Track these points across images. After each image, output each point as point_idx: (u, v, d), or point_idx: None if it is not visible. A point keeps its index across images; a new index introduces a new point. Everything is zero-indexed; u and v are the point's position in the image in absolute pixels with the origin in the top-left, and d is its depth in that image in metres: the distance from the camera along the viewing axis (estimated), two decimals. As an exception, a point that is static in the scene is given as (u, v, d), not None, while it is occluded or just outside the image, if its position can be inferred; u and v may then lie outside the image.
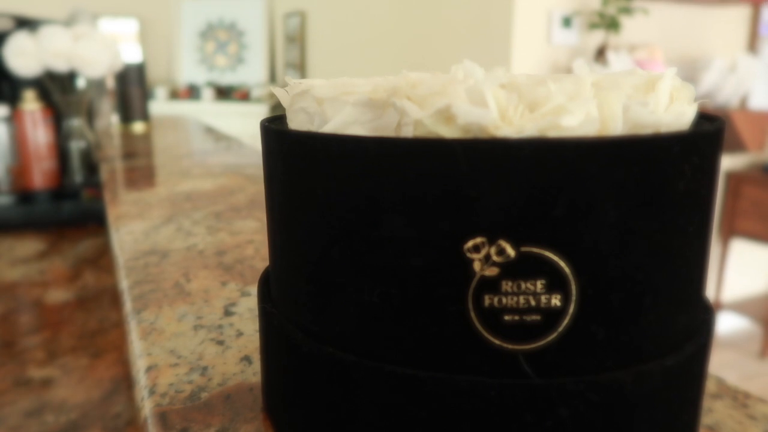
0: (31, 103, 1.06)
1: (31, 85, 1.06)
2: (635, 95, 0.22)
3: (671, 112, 0.23)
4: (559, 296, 0.20)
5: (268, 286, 0.29)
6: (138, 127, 1.46)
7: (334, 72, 3.16)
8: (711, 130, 0.21)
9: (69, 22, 1.31)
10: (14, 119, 1.06)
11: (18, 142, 1.07)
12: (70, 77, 1.09)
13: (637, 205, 0.20)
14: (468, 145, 0.19)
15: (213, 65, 3.91)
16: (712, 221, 0.24)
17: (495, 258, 0.20)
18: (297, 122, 0.26)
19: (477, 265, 0.20)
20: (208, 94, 3.83)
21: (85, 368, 0.63)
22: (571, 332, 0.21)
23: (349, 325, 0.23)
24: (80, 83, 1.16)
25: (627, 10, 1.90)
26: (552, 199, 0.19)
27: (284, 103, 0.27)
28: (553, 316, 0.20)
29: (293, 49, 3.53)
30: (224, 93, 3.89)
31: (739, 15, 2.33)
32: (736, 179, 2.27)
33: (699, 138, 0.21)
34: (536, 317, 0.20)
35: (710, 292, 2.37)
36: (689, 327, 0.24)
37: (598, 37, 2.04)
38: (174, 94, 3.90)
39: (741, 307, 2.39)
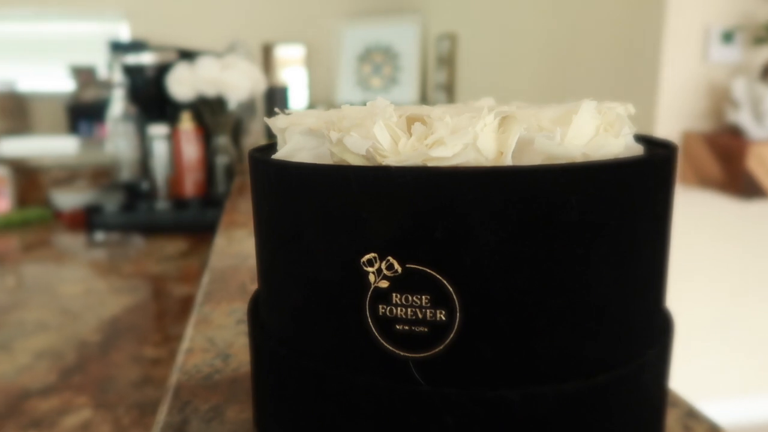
0: (186, 123, 1.23)
1: (187, 108, 1.24)
2: (550, 128, 0.23)
3: (593, 143, 0.23)
4: (443, 311, 0.22)
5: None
6: (280, 144, 1.61)
7: (480, 94, 3.18)
8: (608, 164, 0.22)
9: (228, 52, 1.49)
10: (172, 137, 1.24)
11: (174, 156, 1.25)
12: (218, 101, 1.24)
13: (520, 232, 0.21)
14: (358, 171, 0.22)
15: (368, 86, 4.13)
16: (639, 251, 0.24)
17: (386, 272, 0.22)
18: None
19: (372, 278, 0.23)
20: (362, 113, 4.05)
21: (187, 353, 0.72)
22: (458, 346, 0.22)
23: (285, 324, 0.26)
24: (231, 106, 1.32)
25: (801, 22, 1.69)
26: (432, 222, 0.21)
27: (276, 131, 0.31)
28: (439, 329, 0.22)
29: (443, 71, 3.61)
30: (377, 113, 4.09)
31: None
32: None
33: (593, 170, 0.22)
34: (423, 329, 0.22)
35: None
36: (608, 357, 0.24)
37: (765, 53, 1.84)
38: (332, 114, 4.18)
39: None
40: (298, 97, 4.23)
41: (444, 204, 0.21)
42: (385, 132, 0.22)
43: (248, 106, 1.60)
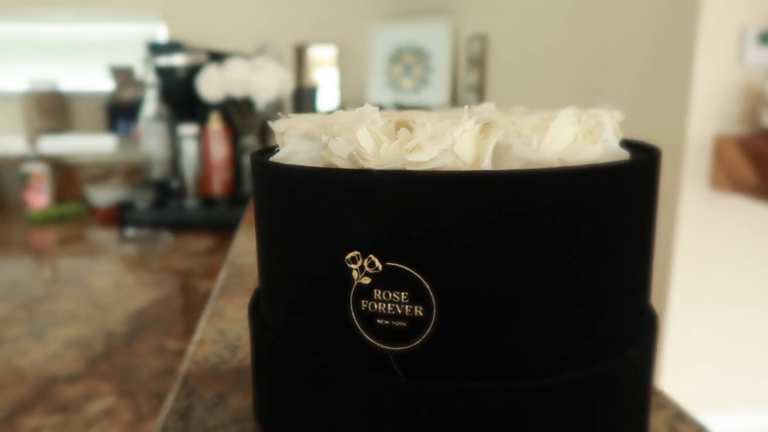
0: (215, 123, 1.27)
1: (216, 109, 1.27)
2: (528, 134, 0.24)
3: (570, 150, 0.24)
4: (421, 307, 0.23)
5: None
6: (307, 144, 1.63)
7: (510, 95, 3.16)
8: (579, 169, 0.23)
9: (257, 54, 1.52)
10: (202, 137, 1.28)
11: (203, 156, 1.29)
12: (246, 102, 1.27)
13: (493, 234, 0.22)
14: (342, 174, 0.24)
15: (399, 87, 4.14)
16: (615, 253, 0.25)
17: (368, 269, 0.24)
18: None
19: (355, 274, 0.24)
20: (392, 114, 4.07)
21: (208, 346, 0.74)
22: (434, 341, 0.23)
23: (280, 317, 0.28)
24: (259, 107, 1.35)
25: (842, 23, 1.64)
26: (409, 222, 0.23)
27: (276, 134, 0.33)
28: (417, 324, 0.24)
29: (474, 72, 3.60)
30: (407, 113, 4.10)
31: None
32: None
33: (563, 176, 0.22)
34: (402, 323, 0.24)
35: None
36: (582, 355, 0.25)
37: (803, 54, 1.78)
38: (362, 115, 4.20)
39: None
40: (329, 98, 4.27)
41: (420, 205, 0.23)
42: (368, 137, 0.24)
43: (276, 107, 1.63)
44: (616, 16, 2.08)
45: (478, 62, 3.55)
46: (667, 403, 0.33)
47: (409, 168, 0.23)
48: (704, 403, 1.78)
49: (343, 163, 0.25)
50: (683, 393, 1.78)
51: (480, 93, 3.52)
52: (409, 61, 4.14)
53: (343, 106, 4.23)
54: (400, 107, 4.10)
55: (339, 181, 0.24)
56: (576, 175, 0.23)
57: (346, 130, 0.25)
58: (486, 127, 0.24)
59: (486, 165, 0.23)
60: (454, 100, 4.09)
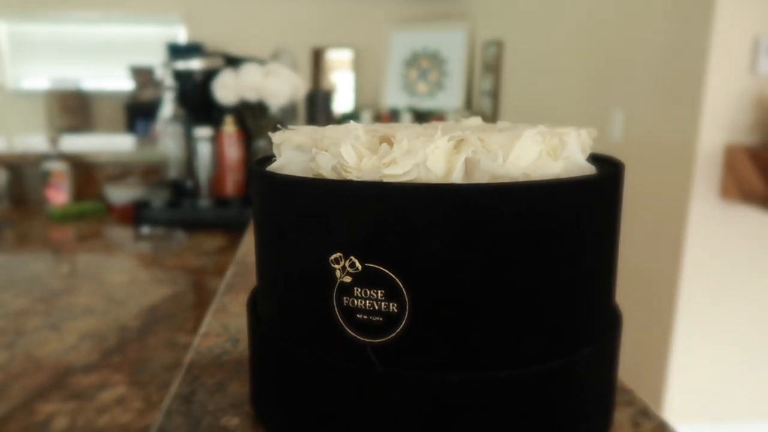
0: (229, 126, 1.30)
1: (230, 113, 1.31)
2: (495, 150, 0.27)
3: (534, 165, 0.27)
4: (395, 304, 0.26)
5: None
6: (320, 148, 1.67)
7: (525, 101, 3.17)
8: (540, 183, 0.25)
9: (272, 59, 1.56)
10: (216, 139, 1.32)
11: (217, 157, 1.32)
12: (260, 106, 1.31)
13: (459, 239, 0.25)
14: (327, 184, 0.26)
15: (414, 91, 4.17)
16: (573, 258, 0.27)
17: (349, 269, 0.27)
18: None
19: (338, 273, 0.27)
20: (407, 118, 4.10)
21: (216, 341, 0.77)
22: (408, 334, 0.26)
23: (272, 311, 0.31)
24: (272, 111, 1.38)
25: None
26: (385, 228, 0.25)
27: (274, 146, 0.36)
28: (392, 319, 0.26)
29: (489, 77, 3.62)
30: (422, 118, 4.13)
31: None
32: None
33: (524, 189, 0.25)
34: (379, 318, 0.26)
35: None
36: (543, 351, 0.27)
37: (816, 65, 1.78)
38: (377, 118, 4.24)
39: None
40: (345, 101, 4.31)
41: (395, 213, 0.25)
42: (351, 151, 0.27)
43: (290, 111, 1.66)
44: (630, 25, 2.09)
45: (494, 67, 3.56)
46: (633, 400, 0.35)
47: (385, 180, 0.26)
48: (711, 412, 1.78)
49: (329, 174, 0.27)
50: (690, 400, 1.78)
51: (495, 98, 3.53)
52: (424, 65, 4.17)
53: (358, 109, 4.27)
54: (415, 111, 4.13)
55: (323, 190, 0.27)
56: (535, 188, 0.25)
57: (333, 144, 0.28)
58: (458, 144, 0.27)
59: (456, 178, 0.26)
60: (469, 105, 4.11)
